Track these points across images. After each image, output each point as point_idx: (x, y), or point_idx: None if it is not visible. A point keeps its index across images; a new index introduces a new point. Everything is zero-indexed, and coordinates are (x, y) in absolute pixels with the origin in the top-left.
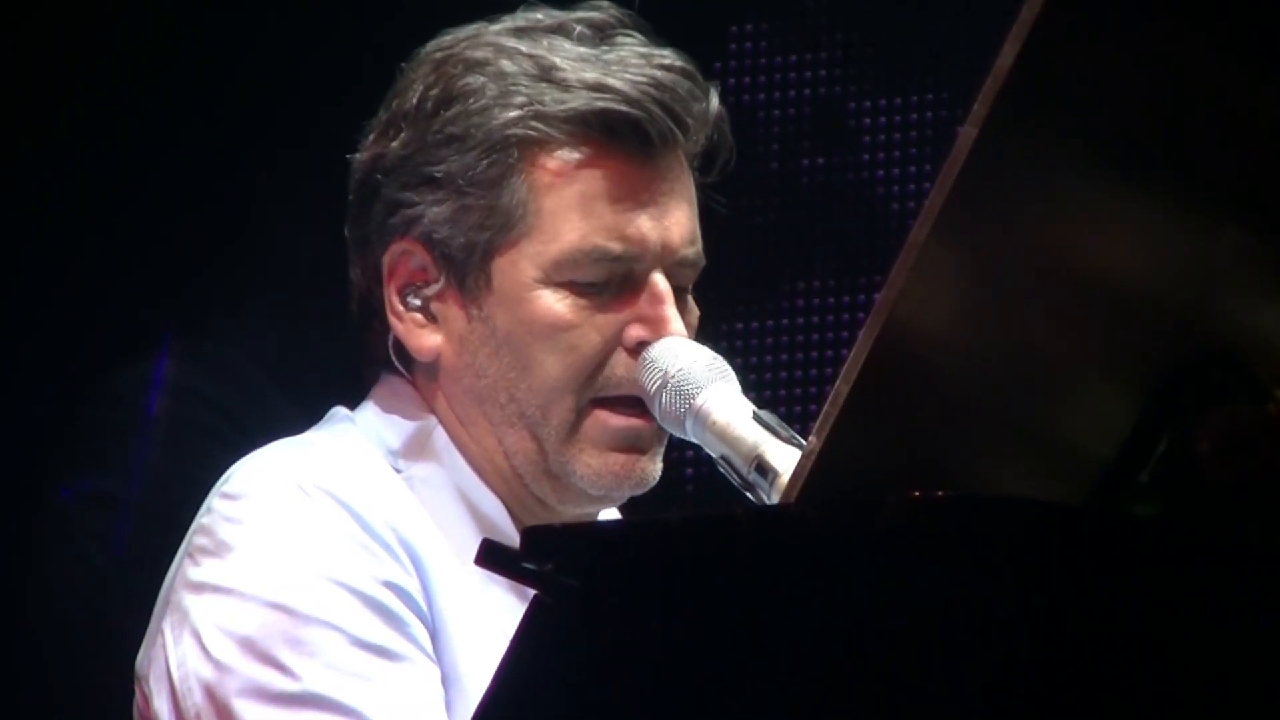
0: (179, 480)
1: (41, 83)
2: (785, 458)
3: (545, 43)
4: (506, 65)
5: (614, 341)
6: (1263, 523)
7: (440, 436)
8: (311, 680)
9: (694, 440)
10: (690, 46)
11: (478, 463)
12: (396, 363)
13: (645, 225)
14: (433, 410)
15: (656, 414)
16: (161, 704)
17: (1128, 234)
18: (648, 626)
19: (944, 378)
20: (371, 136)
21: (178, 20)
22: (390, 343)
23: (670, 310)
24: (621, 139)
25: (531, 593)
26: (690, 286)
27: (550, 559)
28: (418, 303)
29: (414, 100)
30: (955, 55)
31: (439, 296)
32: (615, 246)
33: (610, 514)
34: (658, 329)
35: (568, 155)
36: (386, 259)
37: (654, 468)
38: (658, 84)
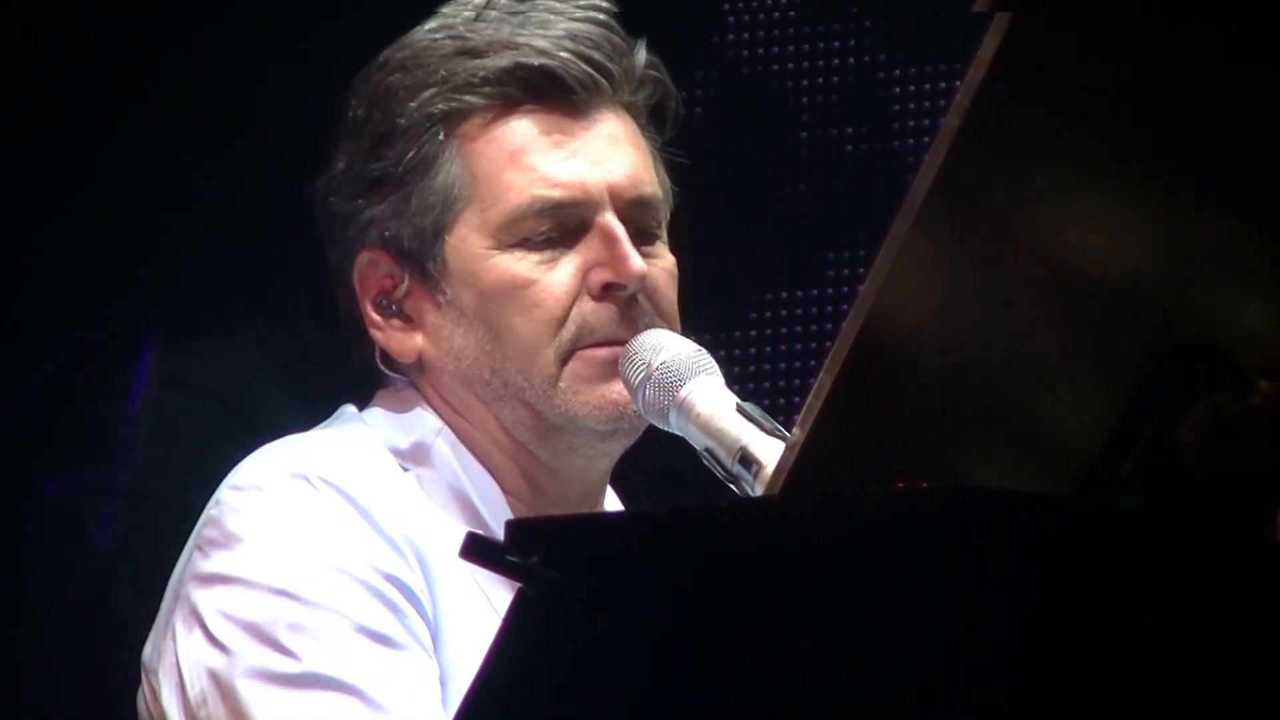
0: (164, 474)
1: (24, 79)
2: (769, 450)
3: (462, 26)
4: (423, 56)
5: (577, 290)
6: (1246, 512)
7: (447, 437)
8: (314, 661)
9: (677, 432)
10: (718, 17)
11: (485, 450)
12: (388, 372)
13: (582, 170)
14: (435, 410)
15: (640, 406)
16: (169, 695)
17: (1111, 224)
18: (632, 619)
19: (927, 369)
20: (325, 166)
21: (161, 13)
22: (378, 356)
23: (626, 249)
24: (543, 92)
25: None
26: (661, 232)
27: (534, 552)
28: (392, 308)
29: (349, 117)
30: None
31: (409, 295)
32: (555, 193)
33: (614, 504)
34: (617, 269)
35: (492, 120)
36: (355, 274)
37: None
38: (571, 34)
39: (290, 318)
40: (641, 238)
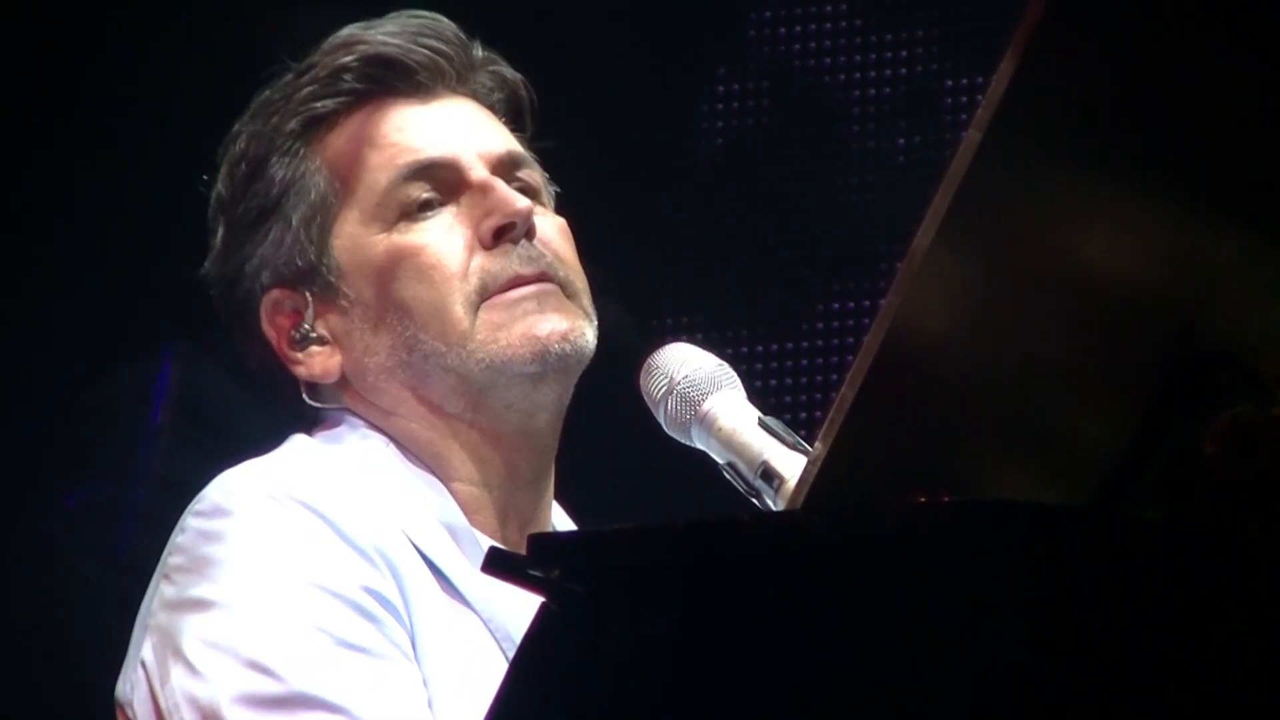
0: (183, 488)
1: (44, 87)
2: (791, 464)
3: (293, 67)
4: (265, 102)
5: (470, 245)
6: (1268, 524)
7: (389, 447)
8: (298, 681)
9: (700, 446)
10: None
11: (428, 441)
12: (318, 406)
13: (445, 133)
14: (373, 425)
15: (662, 420)
16: (144, 713)
17: (1131, 236)
18: (654, 632)
19: (949, 382)
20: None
21: (179, 22)
22: (305, 391)
23: (505, 191)
24: (386, 81)
25: (503, 598)
26: (543, 195)
27: (556, 565)
28: (308, 338)
29: (214, 195)
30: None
31: (318, 317)
32: (422, 155)
33: (565, 524)
34: (503, 209)
35: (344, 119)
36: (264, 322)
37: (574, 321)
38: (403, 26)
39: None
40: (526, 194)
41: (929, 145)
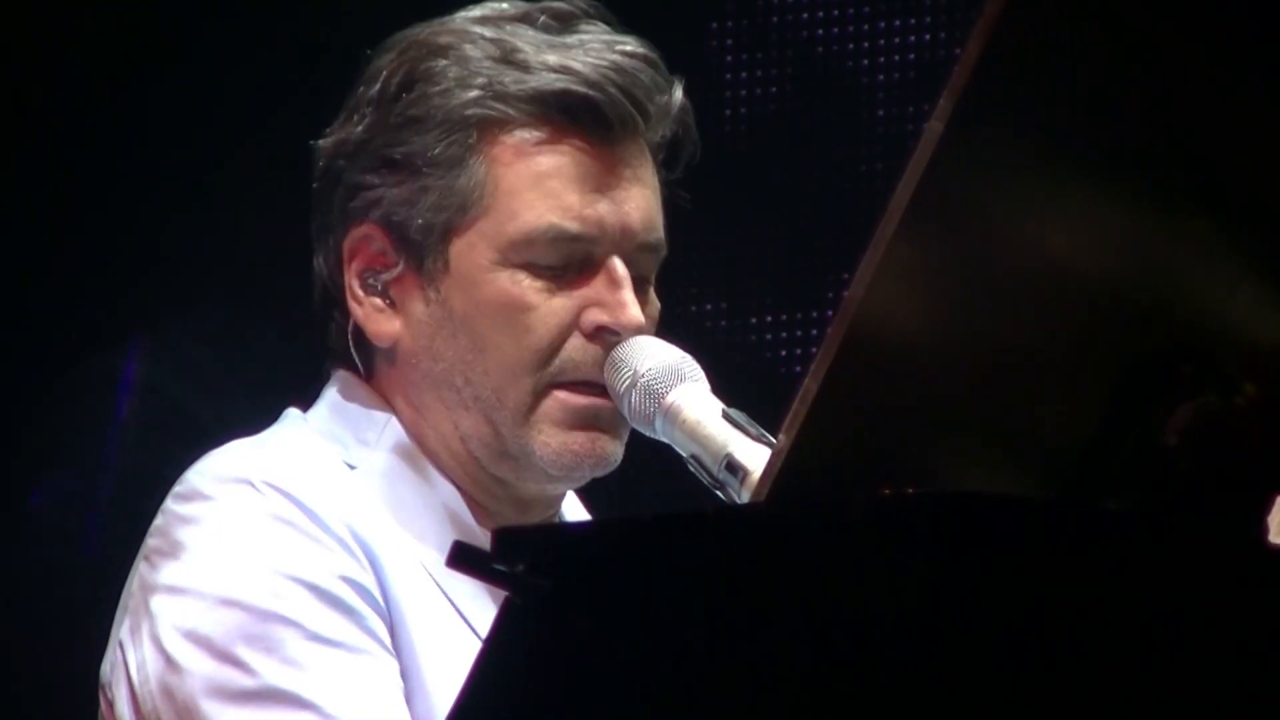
0: (150, 480)
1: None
2: (755, 456)
3: (509, 28)
4: (469, 49)
5: (571, 325)
6: (1232, 514)
7: (394, 428)
8: (270, 675)
9: (664, 439)
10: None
11: (434, 450)
12: (354, 353)
13: (603, 208)
14: (388, 400)
15: (626, 413)
16: (124, 708)
17: (1094, 228)
18: (619, 626)
19: (913, 374)
20: (337, 123)
21: (137, 12)
22: (350, 330)
23: (628, 295)
24: (580, 121)
25: (487, 592)
26: (652, 278)
27: (521, 560)
28: (377, 287)
29: (378, 85)
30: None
31: (398, 281)
32: (572, 226)
33: (578, 512)
34: (615, 314)
35: (526, 136)
36: (347, 244)
37: (615, 448)
38: (618, 68)
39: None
40: (639, 283)
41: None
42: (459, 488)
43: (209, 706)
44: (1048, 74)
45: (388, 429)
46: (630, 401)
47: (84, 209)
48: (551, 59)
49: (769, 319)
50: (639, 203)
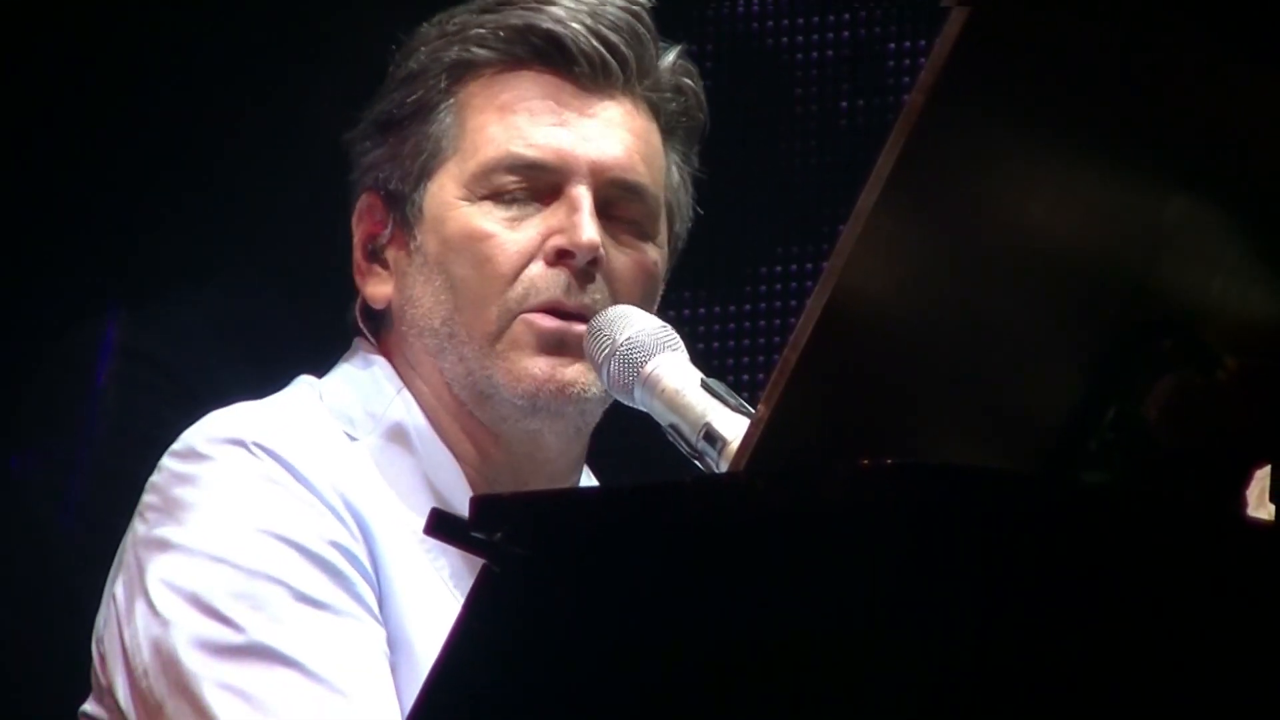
0: (129, 447)
1: None
2: (734, 426)
3: None
4: (455, 11)
5: (533, 252)
6: (1211, 488)
7: (400, 402)
8: (255, 632)
9: (642, 409)
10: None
11: (432, 407)
12: (362, 324)
13: (564, 137)
14: (395, 368)
15: (605, 382)
16: (114, 663)
17: (1076, 201)
18: (596, 595)
19: (893, 346)
20: None
21: None
22: (358, 303)
23: (583, 217)
24: (548, 58)
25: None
26: (650, 227)
27: (499, 528)
28: (376, 254)
29: (389, 73)
30: None
31: (390, 242)
32: (529, 153)
33: (588, 481)
34: (571, 235)
35: (494, 76)
36: (355, 217)
37: (578, 375)
38: (593, 11)
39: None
40: (621, 224)
41: (872, 108)
42: (464, 464)
43: (193, 660)
44: (1029, 48)
45: (395, 402)
46: (609, 370)
47: (62, 176)
48: (529, 3)
49: (689, 299)
50: (612, 142)
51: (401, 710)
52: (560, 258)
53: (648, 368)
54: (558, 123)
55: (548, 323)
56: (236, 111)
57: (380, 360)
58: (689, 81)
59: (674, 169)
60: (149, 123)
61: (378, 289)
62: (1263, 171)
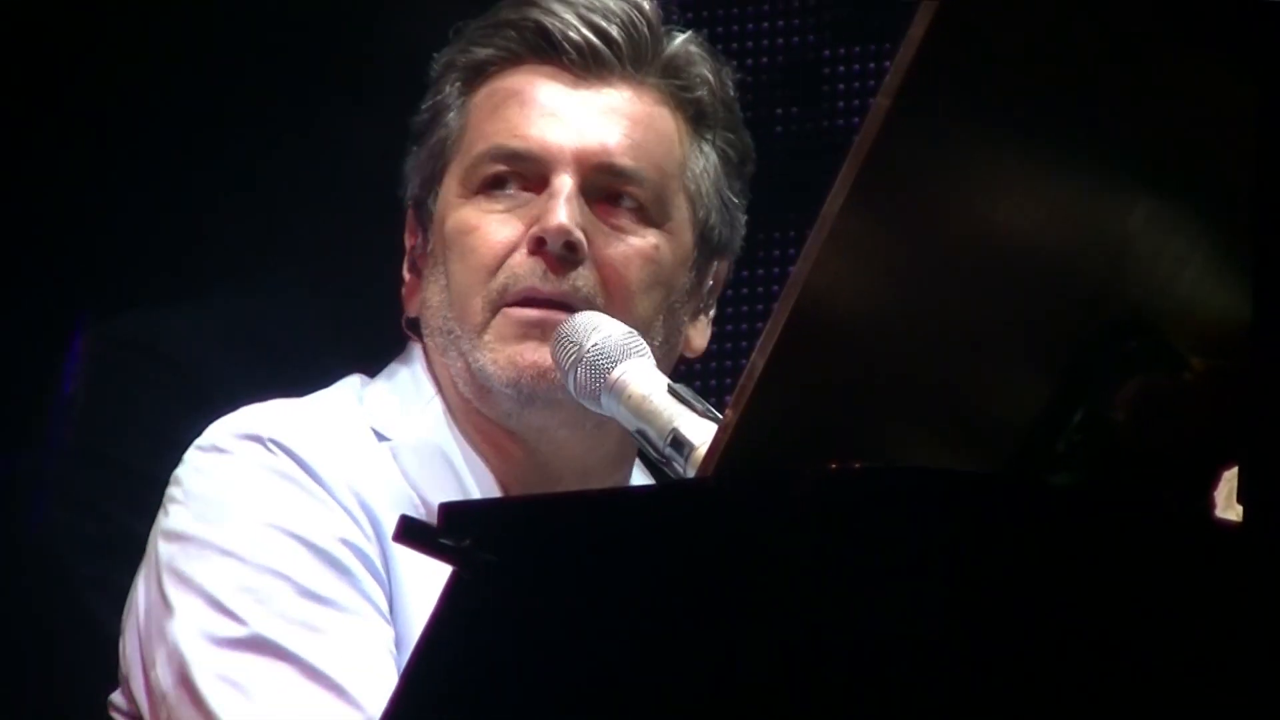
0: (96, 458)
1: None
2: (701, 431)
3: None
4: (471, 19)
5: (516, 242)
6: (1178, 490)
7: (436, 405)
8: (257, 625)
9: (610, 415)
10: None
11: (456, 405)
12: (408, 332)
13: (550, 127)
14: (432, 374)
15: (572, 389)
16: (132, 648)
17: (1042, 204)
18: (566, 601)
19: (860, 349)
20: None
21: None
22: (404, 318)
23: (557, 203)
24: (542, 52)
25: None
26: (647, 209)
27: (468, 534)
28: (414, 264)
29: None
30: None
31: (421, 251)
32: (513, 144)
33: (641, 480)
34: (545, 221)
35: (496, 74)
36: (405, 232)
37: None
38: (587, 3)
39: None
40: (617, 210)
41: (805, 118)
42: (491, 466)
43: (194, 651)
44: (995, 51)
45: (431, 404)
46: (576, 377)
47: (29, 183)
48: (526, 3)
49: None
50: (602, 128)
51: None
52: (539, 246)
53: (614, 374)
54: (547, 113)
55: (525, 312)
56: (220, 120)
57: (422, 363)
58: (699, 66)
59: (698, 156)
60: (120, 126)
61: (409, 295)
62: (1228, 173)
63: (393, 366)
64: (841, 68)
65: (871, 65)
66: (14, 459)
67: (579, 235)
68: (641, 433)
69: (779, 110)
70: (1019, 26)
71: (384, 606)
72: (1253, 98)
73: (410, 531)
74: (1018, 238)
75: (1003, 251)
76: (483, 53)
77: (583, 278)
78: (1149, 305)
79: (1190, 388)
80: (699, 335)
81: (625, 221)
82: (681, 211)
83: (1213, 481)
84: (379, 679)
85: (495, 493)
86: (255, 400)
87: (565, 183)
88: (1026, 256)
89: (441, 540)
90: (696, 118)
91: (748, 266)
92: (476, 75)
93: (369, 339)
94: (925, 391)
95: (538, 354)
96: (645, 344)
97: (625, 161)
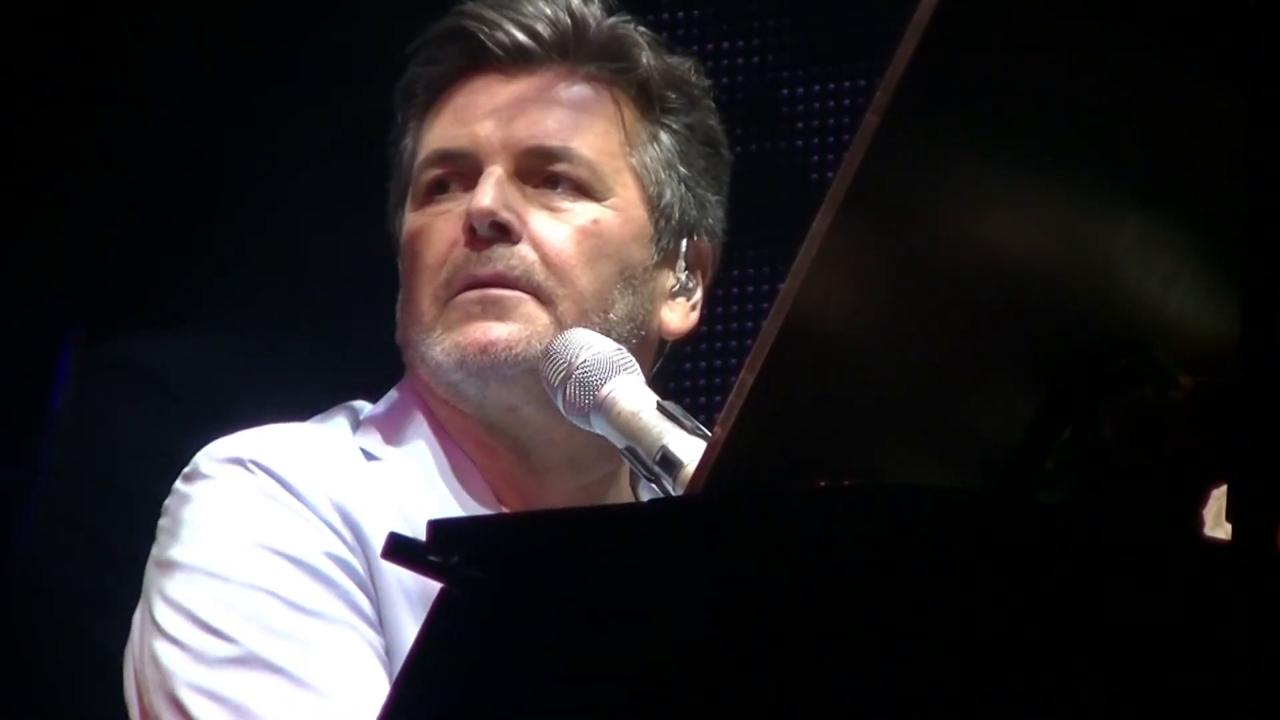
0: (85, 474)
1: None
2: (690, 449)
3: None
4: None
5: (455, 238)
6: (1167, 508)
7: (423, 419)
8: (247, 642)
9: (599, 432)
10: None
11: (441, 414)
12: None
13: (482, 124)
14: (416, 388)
15: (561, 406)
16: (130, 682)
17: (1031, 221)
18: (554, 618)
19: (849, 367)
20: None
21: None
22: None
23: (483, 189)
24: (475, 56)
25: None
26: (588, 185)
27: (457, 551)
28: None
29: None
30: (889, 37)
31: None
32: (446, 144)
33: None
34: (469, 209)
35: (439, 95)
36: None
37: (505, 332)
38: (516, 5)
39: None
40: (552, 189)
41: (764, 151)
42: (482, 470)
43: (186, 672)
44: (984, 68)
45: (418, 421)
46: (565, 394)
47: (19, 195)
48: (452, 11)
49: None
50: (532, 113)
51: None
52: (471, 234)
53: (604, 390)
54: (479, 112)
55: (465, 295)
56: (211, 128)
57: (410, 382)
58: (638, 49)
59: (645, 135)
60: (112, 137)
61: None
62: (1217, 191)
63: (391, 392)
64: (802, 106)
65: (833, 103)
66: (2, 474)
67: (506, 215)
68: (631, 450)
69: (739, 148)
70: (1009, 44)
71: (372, 617)
72: (1242, 115)
73: (398, 549)
74: (1007, 254)
75: (992, 268)
76: (422, 73)
77: (517, 256)
78: (1138, 322)
79: (1179, 405)
80: (677, 317)
81: (562, 200)
82: (629, 189)
83: (1201, 499)
84: (371, 689)
85: (487, 497)
86: (252, 424)
87: (493, 171)
88: (1015, 274)
89: (430, 557)
90: (642, 98)
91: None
92: (421, 97)
93: (376, 362)
94: (914, 409)
95: (479, 330)
96: (634, 360)
97: (554, 143)
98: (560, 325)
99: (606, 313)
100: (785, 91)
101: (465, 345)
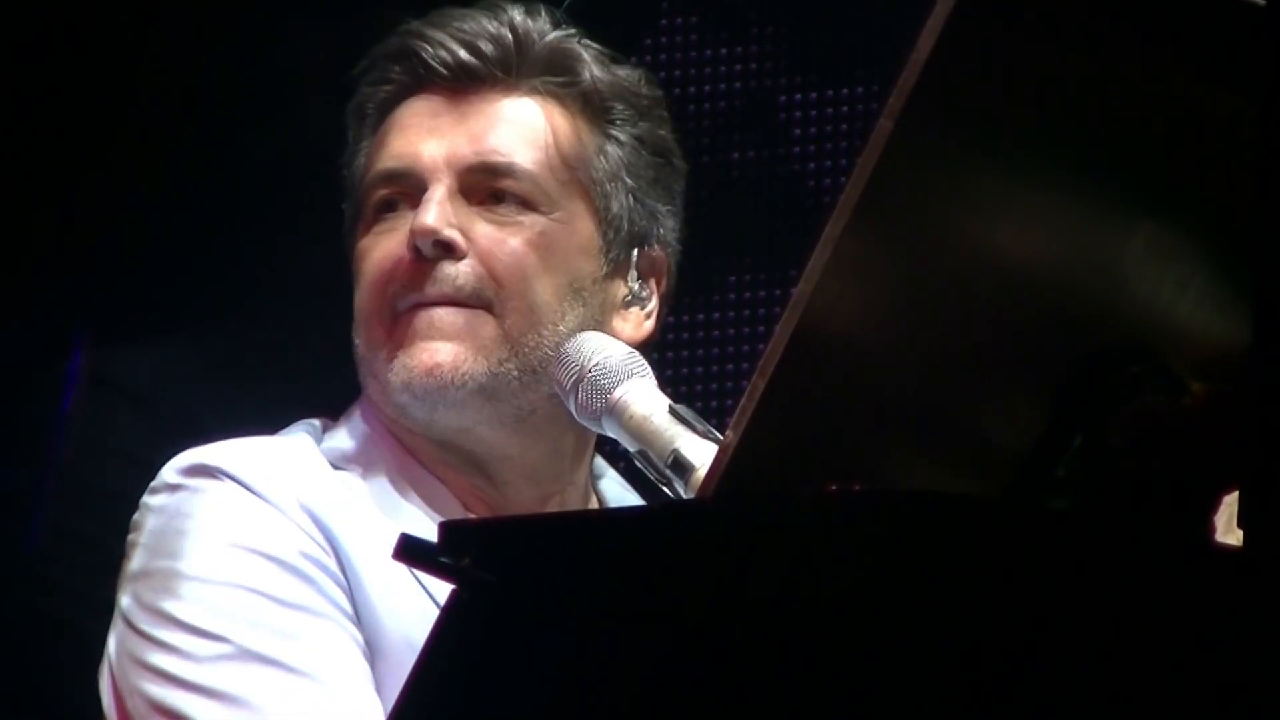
0: (95, 476)
1: None
2: (702, 452)
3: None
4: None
5: (400, 255)
6: (1177, 515)
7: (385, 438)
8: (237, 638)
9: (611, 435)
10: (619, 40)
11: (399, 433)
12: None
13: (427, 143)
14: (375, 406)
15: (573, 409)
16: (106, 695)
17: (1043, 227)
18: (565, 621)
19: (860, 372)
20: None
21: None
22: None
23: (425, 207)
24: (421, 77)
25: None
26: (534, 199)
27: (468, 554)
28: None
29: None
30: (887, 46)
31: None
32: (390, 164)
33: (610, 478)
34: (412, 228)
35: (386, 115)
36: None
37: (451, 355)
38: (452, 23)
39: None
40: (496, 204)
41: (763, 160)
42: (446, 483)
43: (182, 674)
44: (996, 75)
45: (380, 439)
46: (577, 397)
47: (27, 199)
48: (394, 34)
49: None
50: (474, 130)
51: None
52: (416, 253)
53: (615, 394)
54: (423, 131)
55: (413, 315)
56: (212, 138)
57: (368, 401)
58: (583, 64)
59: (592, 147)
60: (118, 144)
61: None
62: (1228, 198)
63: (353, 407)
64: (799, 112)
65: (830, 110)
66: (11, 475)
67: (449, 233)
68: (642, 453)
69: (737, 154)
70: (1021, 51)
71: (351, 613)
72: (1254, 124)
73: (409, 550)
74: (1018, 261)
75: (1003, 274)
76: (370, 93)
77: (463, 274)
78: (1149, 329)
79: (1190, 412)
80: (630, 326)
81: (507, 215)
82: (575, 201)
83: (1213, 506)
84: (357, 674)
85: (454, 507)
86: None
87: (437, 189)
88: (1027, 280)
89: (441, 559)
90: (589, 111)
91: (711, 305)
92: (370, 117)
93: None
94: (925, 414)
95: (425, 353)
96: (646, 364)
97: (497, 158)
98: (509, 338)
99: (556, 324)
100: (783, 99)
101: (412, 367)
